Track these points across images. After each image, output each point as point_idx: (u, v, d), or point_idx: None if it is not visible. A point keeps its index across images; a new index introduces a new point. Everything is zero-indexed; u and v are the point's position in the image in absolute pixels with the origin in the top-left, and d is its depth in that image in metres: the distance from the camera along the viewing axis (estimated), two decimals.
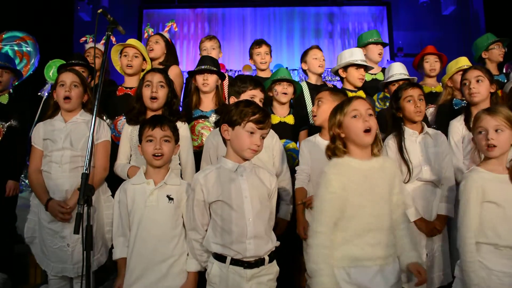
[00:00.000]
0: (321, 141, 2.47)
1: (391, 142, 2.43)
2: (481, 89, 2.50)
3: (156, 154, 2.06)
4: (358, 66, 3.09)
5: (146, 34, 3.85)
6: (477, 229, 1.84)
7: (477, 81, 2.51)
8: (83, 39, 4.03)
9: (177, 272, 2.04)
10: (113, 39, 3.70)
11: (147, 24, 4.09)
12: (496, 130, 1.87)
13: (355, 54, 3.12)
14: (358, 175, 1.73)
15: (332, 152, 1.80)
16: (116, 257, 2.10)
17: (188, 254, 2.07)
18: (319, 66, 3.41)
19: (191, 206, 1.93)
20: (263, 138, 1.89)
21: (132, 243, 2.03)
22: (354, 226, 1.70)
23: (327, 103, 2.48)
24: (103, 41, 3.77)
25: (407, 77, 3.09)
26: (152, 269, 2.00)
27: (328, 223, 1.69)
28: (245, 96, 2.48)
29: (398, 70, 3.11)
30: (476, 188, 1.84)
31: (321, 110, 2.47)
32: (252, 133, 1.85)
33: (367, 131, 1.72)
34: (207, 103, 2.90)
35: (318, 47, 3.51)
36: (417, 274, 1.70)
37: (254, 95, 2.49)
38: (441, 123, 2.76)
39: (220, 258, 1.86)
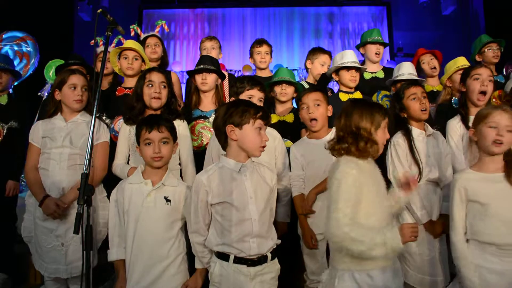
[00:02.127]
0: (314, 142, 2.49)
1: (401, 142, 2.39)
2: (490, 89, 2.55)
3: (155, 157, 2.06)
4: (348, 68, 3.09)
5: (133, 32, 3.85)
6: (464, 227, 1.95)
7: (489, 80, 2.55)
8: (93, 42, 4.00)
9: (172, 274, 2.03)
10: (123, 40, 3.66)
11: (135, 23, 4.07)
12: (509, 130, 1.91)
13: (345, 57, 3.12)
14: (367, 173, 1.75)
15: (348, 150, 1.75)
16: (112, 258, 2.08)
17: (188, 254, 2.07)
18: (318, 75, 3.46)
19: (195, 208, 1.91)
20: None
21: (131, 244, 2.02)
22: (370, 224, 1.65)
23: (323, 106, 2.50)
24: (113, 45, 3.75)
25: (416, 77, 3.09)
26: (149, 270, 2.00)
27: (352, 213, 1.62)
28: (243, 96, 2.48)
29: (408, 70, 3.11)
30: (459, 189, 1.95)
31: (320, 113, 2.48)
32: (260, 129, 1.87)
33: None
34: (207, 103, 2.90)
35: (330, 54, 3.54)
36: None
37: (252, 95, 2.49)
38: (441, 123, 2.76)
39: (223, 257, 1.87)
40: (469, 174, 1.98)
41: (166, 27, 3.99)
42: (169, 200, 2.06)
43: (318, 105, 2.49)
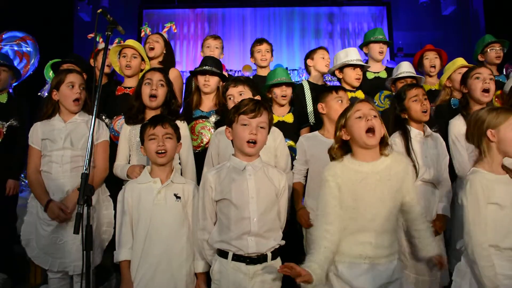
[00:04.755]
0: (322, 139, 2.49)
1: (398, 141, 2.40)
2: (492, 87, 2.55)
3: (160, 151, 2.07)
4: (354, 66, 3.08)
5: (143, 33, 3.85)
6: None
7: (490, 79, 2.55)
8: (91, 35, 3.97)
9: (185, 273, 2.05)
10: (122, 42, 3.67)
11: (145, 23, 4.08)
12: None
13: (350, 54, 3.11)
14: (354, 177, 1.75)
15: (334, 153, 1.83)
16: (119, 259, 2.06)
17: (194, 255, 2.08)
18: (325, 66, 3.45)
19: (202, 205, 1.94)
20: (262, 128, 1.88)
21: (142, 243, 2.03)
22: (346, 224, 1.74)
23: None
24: (115, 44, 3.74)
25: (415, 75, 3.12)
26: (162, 269, 2.00)
27: (332, 220, 1.73)
28: (227, 100, 2.53)
29: (407, 68, 3.14)
30: (482, 190, 1.80)
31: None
32: (245, 125, 1.86)
33: (370, 130, 1.73)
34: (208, 103, 2.90)
35: (326, 49, 3.55)
36: (438, 264, 1.81)
37: (231, 94, 2.51)
38: (440, 123, 2.76)
39: (223, 254, 1.88)
40: (486, 175, 1.84)
41: (174, 28, 3.99)
42: (179, 197, 2.08)
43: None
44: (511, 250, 1.79)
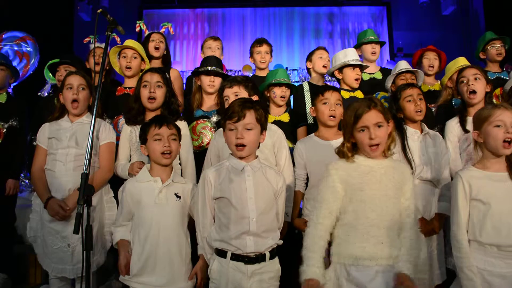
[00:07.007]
0: (318, 141, 2.48)
1: None
2: (478, 86, 2.53)
3: (165, 152, 2.08)
4: (354, 66, 3.08)
5: (138, 28, 3.85)
6: (467, 226, 1.89)
7: (475, 78, 2.54)
8: (87, 39, 3.99)
9: (184, 272, 2.07)
10: (117, 39, 3.68)
11: (142, 19, 4.09)
12: None
13: (349, 55, 3.11)
14: (359, 170, 1.76)
15: (344, 153, 1.82)
16: (117, 238, 2.11)
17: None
18: (323, 66, 3.46)
19: (202, 202, 1.95)
20: (249, 129, 1.87)
21: (143, 242, 2.04)
22: (355, 220, 1.73)
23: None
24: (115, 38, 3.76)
25: (412, 69, 3.14)
26: (163, 267, 2.02)
27: (327, 215, 1.75)
28: (225, 101, 2.52)
29: (405, 66, 3.16)
30: (463, 186, 1.88)
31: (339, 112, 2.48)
32: (232, 130, 1.88)
33: (373, 145, 1.75)
34: (209, 103, 2.90)
35: (324, 48, 3.57)
36: (398, 285, 1.66)
37: (227, 95, 2.50)
38: (441, 123, 2.77)
39: (221, 253, 1.88)
40: (472, 172, 1.92)
41: (171, 30, 3.99)
42: (179, 197, 2.10)
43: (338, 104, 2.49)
44: (495, 246, 1.82)
